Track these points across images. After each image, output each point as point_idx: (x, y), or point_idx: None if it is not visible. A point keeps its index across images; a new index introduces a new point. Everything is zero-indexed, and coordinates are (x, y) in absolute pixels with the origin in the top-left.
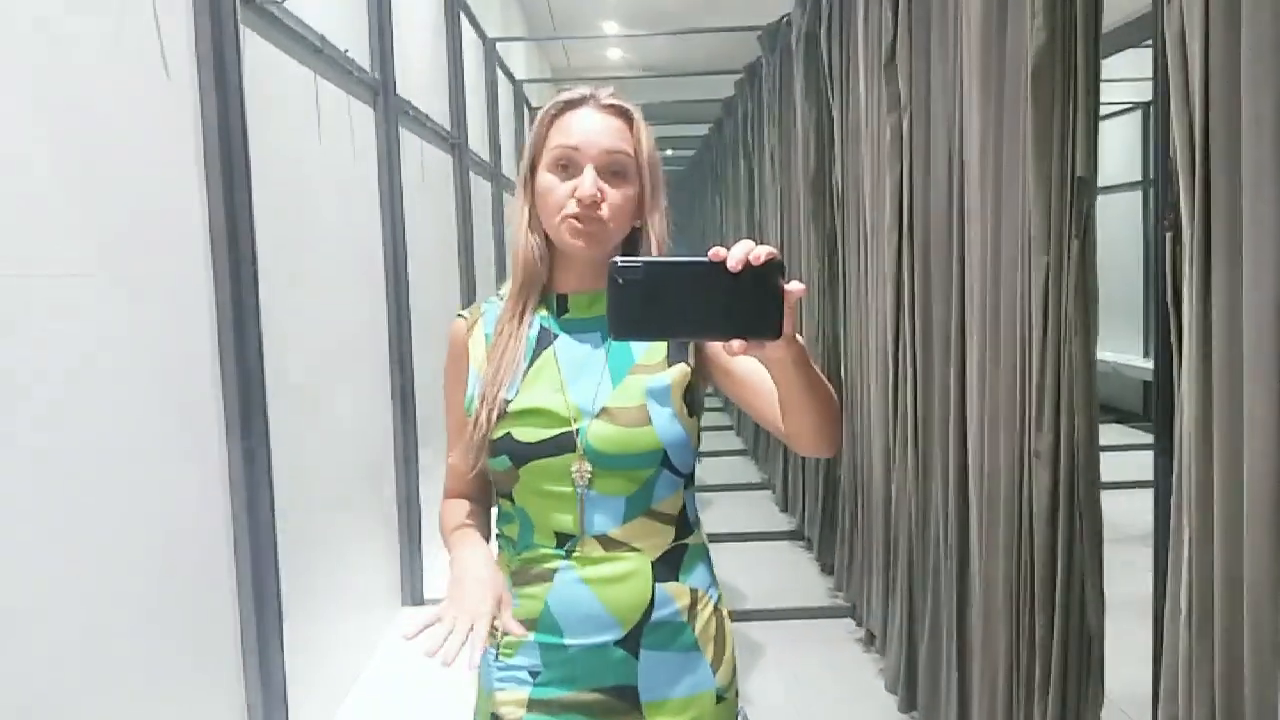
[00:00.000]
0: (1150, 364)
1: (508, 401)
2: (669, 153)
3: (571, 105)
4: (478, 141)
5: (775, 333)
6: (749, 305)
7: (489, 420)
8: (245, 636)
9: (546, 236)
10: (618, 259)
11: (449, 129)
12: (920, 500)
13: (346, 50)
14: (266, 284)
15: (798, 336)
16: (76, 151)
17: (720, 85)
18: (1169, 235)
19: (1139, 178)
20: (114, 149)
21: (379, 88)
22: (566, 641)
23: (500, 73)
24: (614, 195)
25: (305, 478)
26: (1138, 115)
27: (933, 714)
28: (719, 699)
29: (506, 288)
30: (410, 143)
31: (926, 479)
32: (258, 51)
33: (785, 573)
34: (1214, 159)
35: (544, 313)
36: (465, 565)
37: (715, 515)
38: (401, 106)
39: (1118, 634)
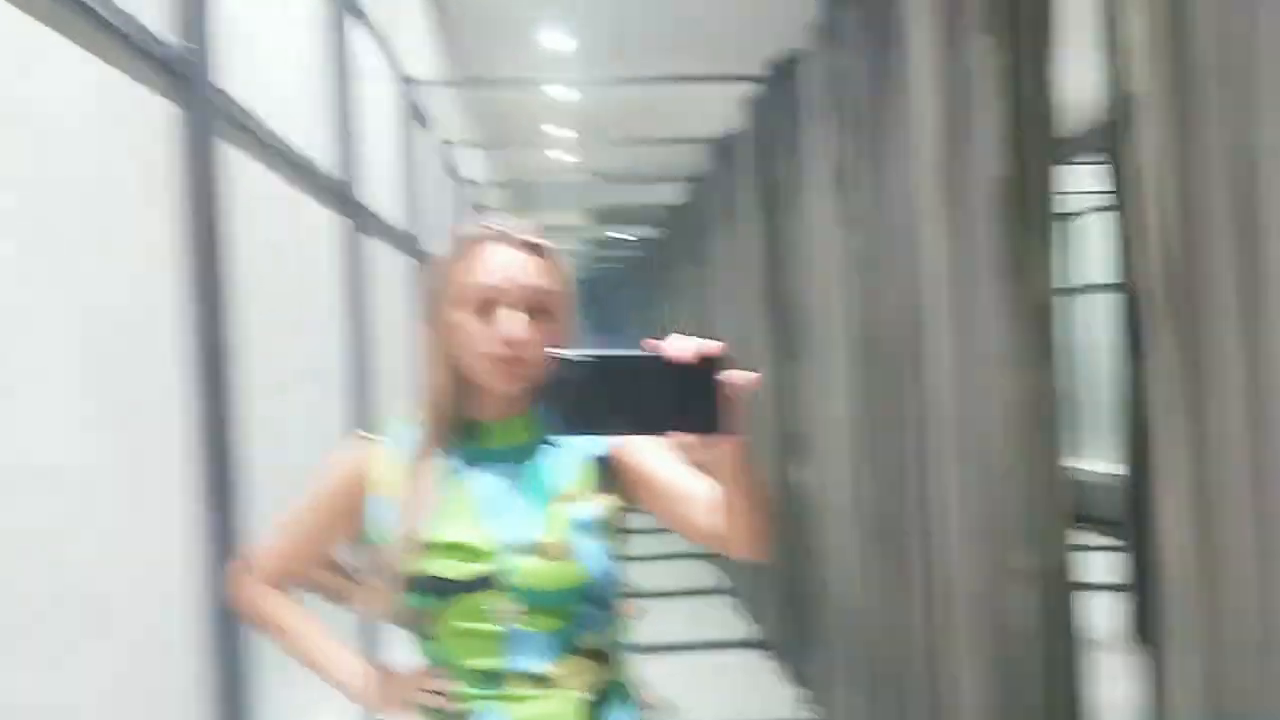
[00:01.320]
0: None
1: (424, 535)
2: (607, 253)
3: (485, 241)
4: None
5: (715, 427)
6: (689, 398)
7: (404, 556)
8: None
9: (458, 370)
10: (555, 352)
11: (407, 230)
12: (898, 615)
13: (311, 158)
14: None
15: (741, 434)
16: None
17: (671, 189)
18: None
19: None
20: (98, 268)
21: (339, 192)
22: None
23: (454, 176)
24: (539, 334)
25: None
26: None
27: None
28: None
29: (407, 416)
30: (371, 245)
31: (903, 593)
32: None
33: (747, 684)
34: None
35: (455, 439)
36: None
37: (670, 623)
38: (363, 212)
39: None
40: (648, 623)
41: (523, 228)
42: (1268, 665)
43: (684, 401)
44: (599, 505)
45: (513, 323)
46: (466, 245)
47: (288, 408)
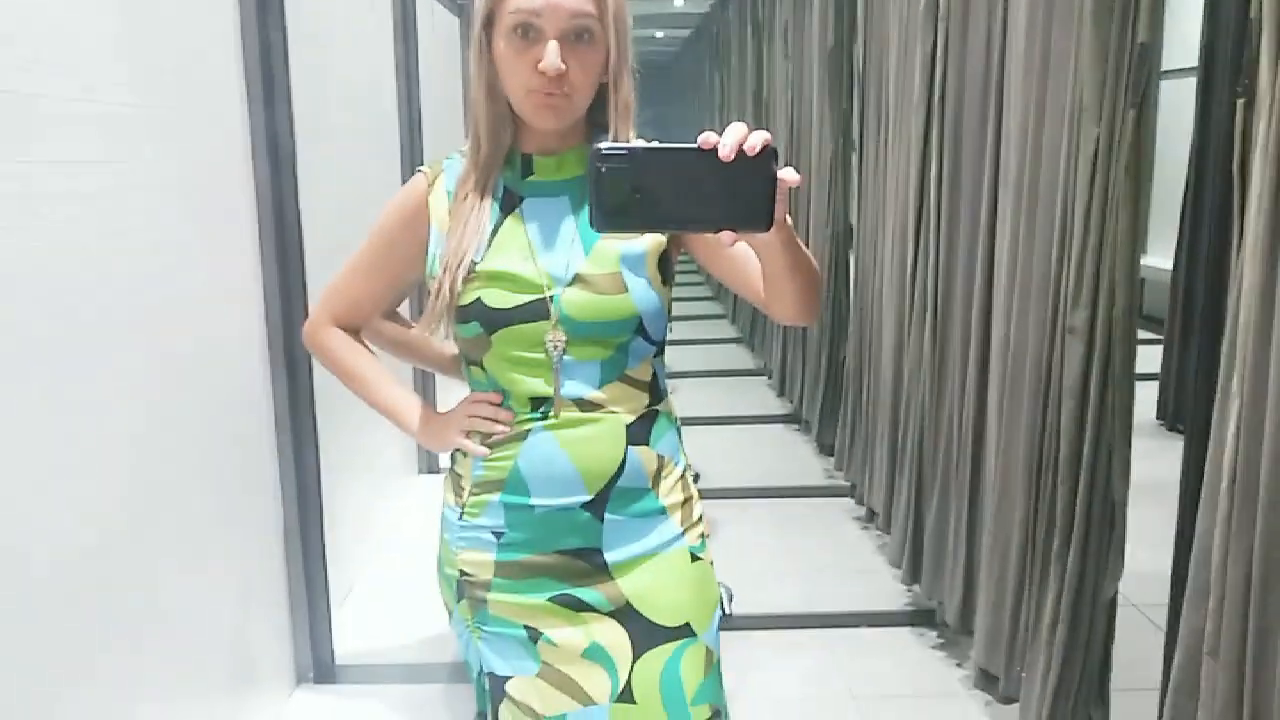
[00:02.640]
0: (1169, 265)
1: (475, 264)
2: (658, 34)
3: None
4: None
5: (768, 224)
6: (741, 195)
7: (453, 285)
8: (286, 501)
9: (507, 100)
10: (601, 145)
11: None
12: (935, 378)
13: None
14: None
15: (787, 219)
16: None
17: None
18: (1241, 101)
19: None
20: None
21: None
22: (533, 502)
23: None
24: (578, 65)
25: None
26: None
27: (936, 585)
28: (694, 558)
29: (468, 145)
30: (422, 4)
31: (943, 354)
32: None
33: (781, 454)
34: None
35: (508, 172)
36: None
37: (709, 400)
38: None
39: (1130, 517)
40: (687, 398)
41: None
42: None
43: (736, 196)
44: (650, 241)
45: (549, 53)
46: None
47: (344, 158)
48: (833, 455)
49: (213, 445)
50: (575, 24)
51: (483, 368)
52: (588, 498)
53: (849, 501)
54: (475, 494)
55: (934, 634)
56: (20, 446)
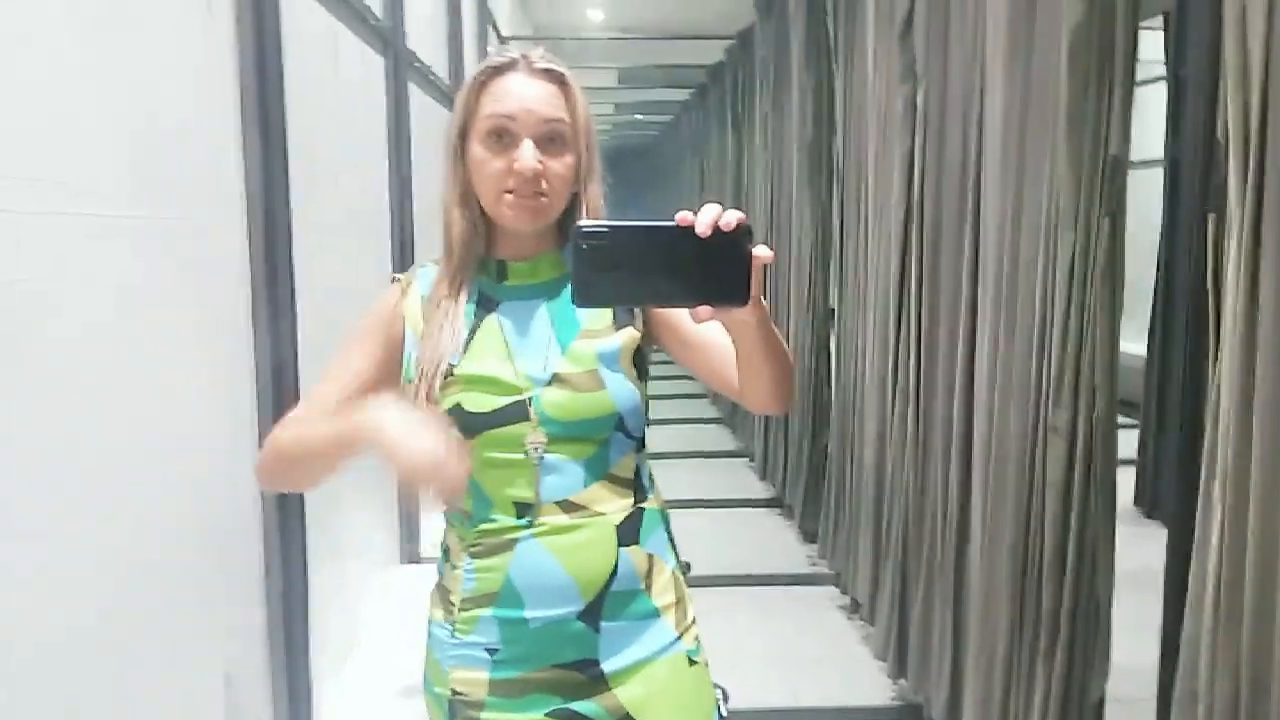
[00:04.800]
0: (1144, 351)
1: (452, 366)
2: (637, 117)
3: (501, 70)
4: None
5: (743, 299)
6: (717, 271)
7: (429, 390)
8: (271, 589)
9: (480, 208)
10: (582, 223)
11: (448, 83)
12: (918, 470)
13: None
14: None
15: (763, 298)
16: (121, 80)
17: (704, 51)
18: (1211, 216)
19: (1156, 155)
20: (156, 79)
21: (389, 37)
22: (527, 615)
23: (490, 28)
24: (554, 166)
25: None
26: (1153, 89)
27: (923, 680)
28: (691, 662)
29: (440, 254)
30: (416, 96)
31: (925, 449)
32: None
33: (764, 539)
34: (1272, 135)
35: (482, 278)
36: (385, 415)
37: (691, 482)
38: (409, 58)
39: (1115, 606)
40: (667, 479)
41: (541, 56)
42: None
43: (712, 272)
44: (624, 338)
45: (524, 152)
46: (485, 75)
47: (335, 250)
48: (815, 542)
49: (198, 535)
50: (547, 128)
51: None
52: (582, 606)
53: (833, 590)
54: (466, 609)
55: None
56: (5, 532)
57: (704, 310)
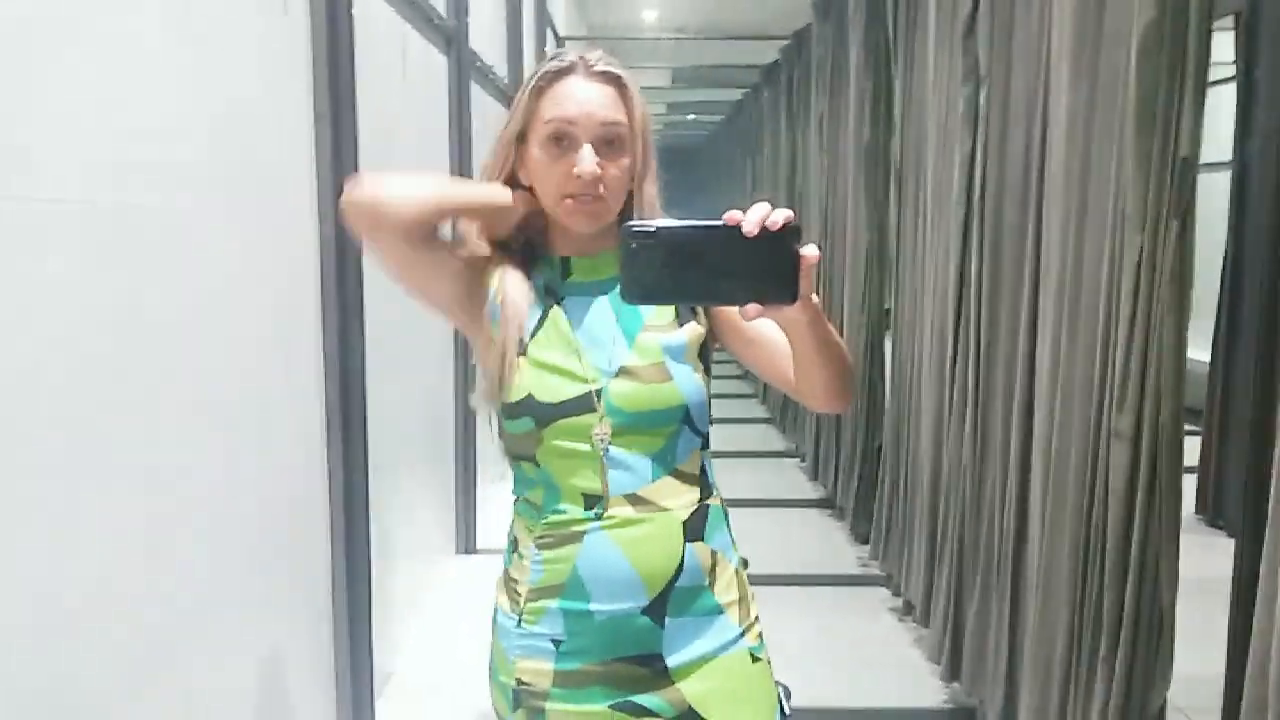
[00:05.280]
0: (1207, 357)
1: (525, 343)
2: (691, 117)
3: (561, 74)
4: None
5: (791, 297)
6: (765, 270)
7: (507, 356)
8: (336, 578)
9: (533, 203)
10: (631, 223)
11: (508, 83)
12: (975, 472)
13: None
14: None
15: (814, 297)
16: (201, 84)
17: (758, 51)
18: None
19: (1224, 158)
20: (233, 80)
21: (453, 37)
22: (593, 608)
23: (549, 28)
24: (611, 169)
25: (380, 428)
26: (1221, 90)
27: (977, 684)
28: (754, 659)
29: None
30: (476, 94)
31: (984, 452)
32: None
33: (815, 540)
34: None
35: (547, 272)
36: None
37: (741, 482)
38: (472, 59)
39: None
40: (719, 480)
41: (600, 59)
42: None
43: (760, 271)
44: (689, 333)
45: (584, 157)
46: (544, 79)
47: None
48: (867, 544)
49: (269, 525)
50: (606, 131)
51: (535, 463)
52: (647, 601)
53: (884, 592)
54: (533, 599)
55: None
56: (89, 526)
57: (752, 309)
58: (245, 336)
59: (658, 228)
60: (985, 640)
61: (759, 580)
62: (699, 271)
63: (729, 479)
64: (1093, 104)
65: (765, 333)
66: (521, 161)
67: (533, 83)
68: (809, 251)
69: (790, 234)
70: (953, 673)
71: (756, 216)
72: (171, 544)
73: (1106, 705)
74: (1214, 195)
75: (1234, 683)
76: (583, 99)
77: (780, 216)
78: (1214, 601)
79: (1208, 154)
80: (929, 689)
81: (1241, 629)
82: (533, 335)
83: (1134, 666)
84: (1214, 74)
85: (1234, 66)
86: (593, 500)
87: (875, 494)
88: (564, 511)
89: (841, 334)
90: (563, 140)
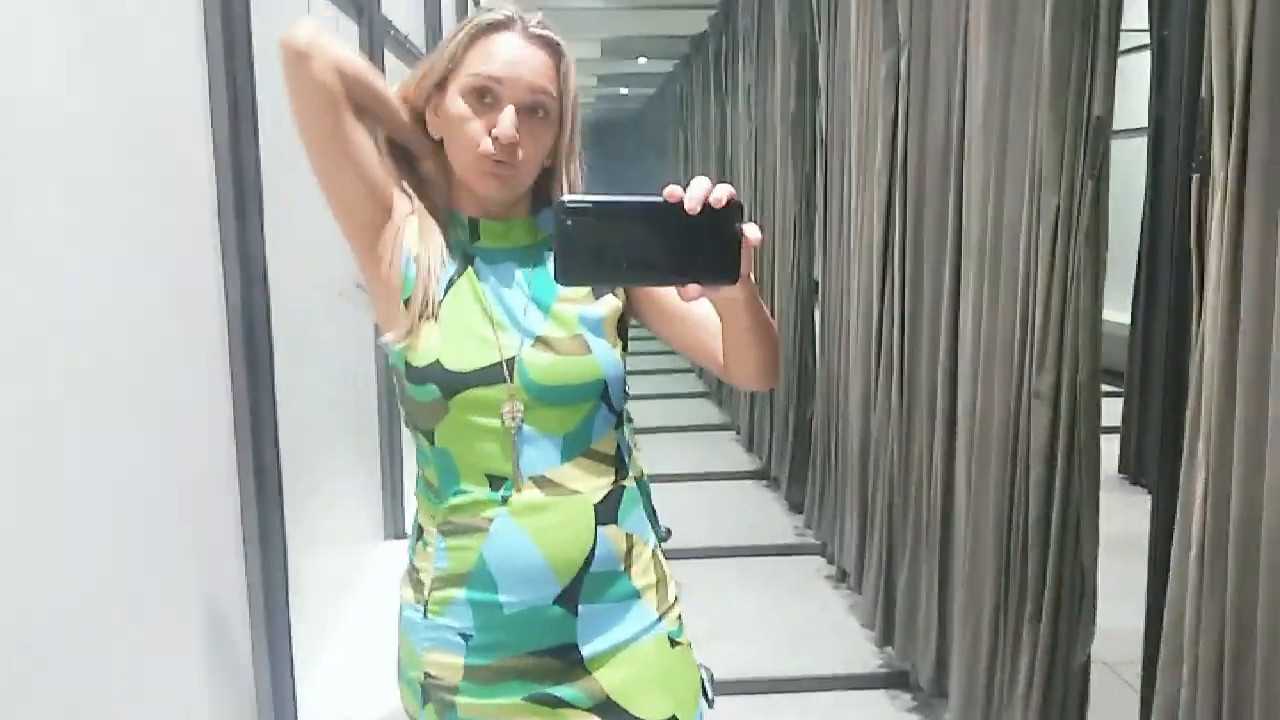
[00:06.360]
0: (1126, 318)
1: (439, 303)
2: (623, 91)
3: (496, 28)
4: None
5: (733, 277)
6: (706, 248)
7: (425, 306)
8: (250, 569)
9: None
10: (565, 198)
11: (425, 52)
12: (903, 439)
13: None
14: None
15: (750, 276)
16: (91, 48)
17: (688, 20)
18: (1195, 177)
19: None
20: (124, 47)
21: (363, 4)
22: (502, 599)
23: None
24: (530, 138)
25: (294, 411)
26: (1136, 57)
27: (910, 647)
28: (673, 643)
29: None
30: (391, 64)
31: (910, 418)
32: None
33: (751, 511)
34: (1255, 96)
35: (457, 230)
36: None
37: (678, 456)
38: (385, 25)
39: (1100, 571)
40: (655, 453)
41: (540, 23)
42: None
43: (701, 249)
44: (607, 306)
45: (504, 120)
46: (477, 29)
47: (306, 219)
48: (802, 513)
49: (171, 516)
50: (533, 98)
51: (433, 440)
52: (559, 590)
53: (820, 560)
54: (438, 588)
55: (908, 696)
56: None
57: (693, 289)
58: (141, 311)
59: (594, 203)
60: (916, 603)
61: (697, 553)
62: (636, 250)
63: (666, 452)
64: (1009, 66)
65: (688, 308)
66: (435, 109)
67: (464, 30)
68: (751, 232)
69: (733, 211)
70: (886, 637)
71: (699, 193)
72: (55, 539)
73: (1033, 662)
74: (1129, 165)
75: (1152, 636)
76: (514, 58)
77: (723, 193)
78: (1136, 558)
79: (1128, 120)
80: (865, 654)
81: (1158, 584)
82: (443, 296)
83: (1058, 624)
84: (1130, 41)
85: (1148, 34)
86: (498, 481)
87: (808, 463)
88: (467, 493)
89: (771, 305)
90: (485, 96)
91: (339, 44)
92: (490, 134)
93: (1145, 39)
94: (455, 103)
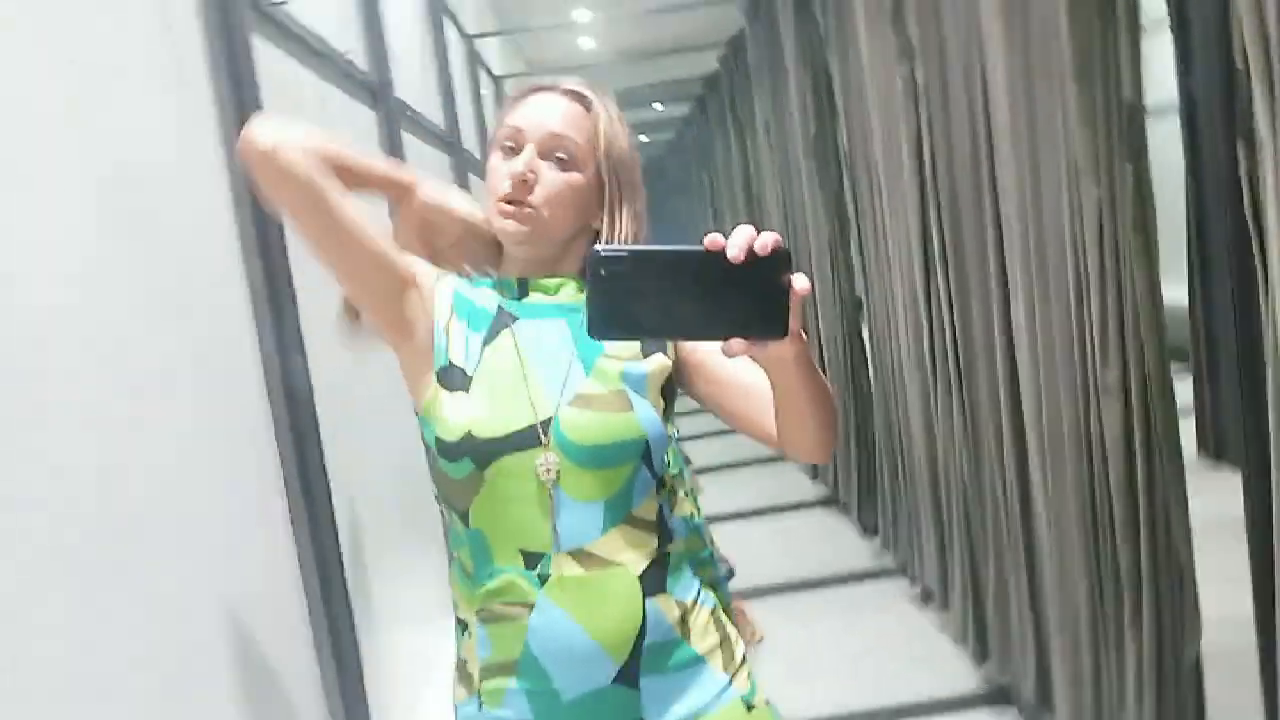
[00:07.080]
0: (1183, 296)
1: (470, 377)
2: (640, 138)
3: (533, 91)
4: (469, 139)
5: (781, 331)
6: (751, 301)
7: (454, 377)
8: (324, 664)
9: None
10: (599, 247)
11: (443, 128)
12: (970, 448)
13: (347, 53)
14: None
15: (802, 332)
16: (105, 160)
17: (698, 63)
18: (1240, 144)
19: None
20: (139, 160)
21: (378, 90)
22: (557, 688)
23: (481, 69)
24: (552, 179)
25: (355, 493)
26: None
27: (1007, 661)
28: (748, 707)
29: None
30: (409, 143)
31: (974, 426)
32: (263, 56)
33: (824, 539)
34: None
35: (502, 296)
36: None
37: (742, 491)
38: (401, 108)
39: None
40: (719, 493)
41: (576, 80)
42: None
43: (745, 301)
44: (654, 365)
45: (519, 158)
46: (518, 93)
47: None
48: (877, 535)
49: (239, 628)
50: (555, 142)
51: (467, 521)
52: (615, 669)
53: (902, 581)
54: (487, 678)
55: (1014, 710)
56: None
57: (737, 344)
58: (189, 413)
59: (630, 252)
60: (1008, 617)
61: (777, 589)
62: (677, 302)
63: (730, 489)
64: (1029, 61)
65: (738, 374)
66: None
67: (509, 98)
68: (800, 283)
69: (780, 260)
70: (982, 653)
71: (742, 240)
72: (118, 670)
73: (1140, 663)
74: (1168, 138)
75: (1265, 619)
76: (538, 109)
77: (769, 240)
78: (1228, 540)
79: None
80: (962, 673)
81: (1263, 568)
82: (476, 365)
83: (1161, 622)
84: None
85: (1166, 12)
86: (534, 559)
87: (876, 484)
88: (502, 573)
89: (816, 329)
90: (514, 147)
91: (298, 126)
92: (509, 175)
93: (1162, 19)
94: (491, 160)
